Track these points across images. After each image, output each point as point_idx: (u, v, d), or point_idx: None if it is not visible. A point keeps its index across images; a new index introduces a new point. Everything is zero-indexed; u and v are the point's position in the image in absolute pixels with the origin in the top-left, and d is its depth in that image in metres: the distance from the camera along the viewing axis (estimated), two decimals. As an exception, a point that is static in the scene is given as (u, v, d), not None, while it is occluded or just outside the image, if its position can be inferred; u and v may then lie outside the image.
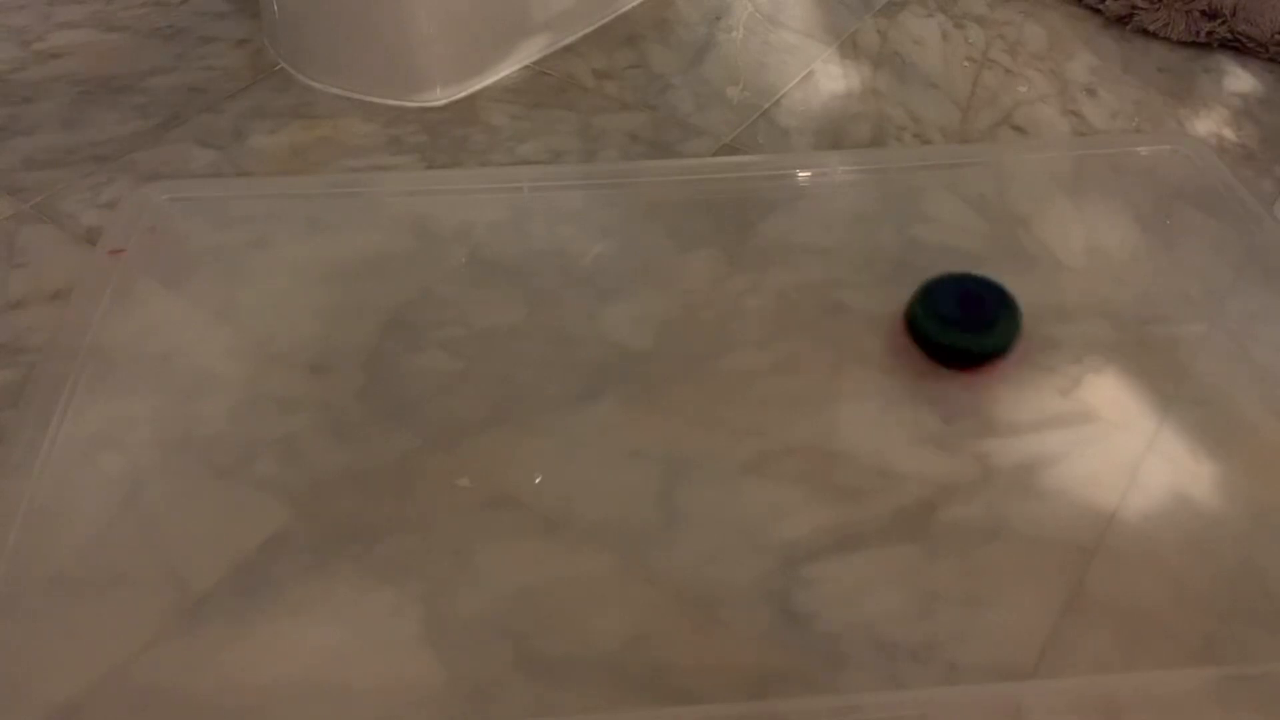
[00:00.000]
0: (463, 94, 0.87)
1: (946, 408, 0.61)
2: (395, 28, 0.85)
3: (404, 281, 0.68)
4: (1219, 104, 0.88)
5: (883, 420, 0.60)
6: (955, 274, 0.66)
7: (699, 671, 0.50)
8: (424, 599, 0.52)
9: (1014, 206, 0.73)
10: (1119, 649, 0.51)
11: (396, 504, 0.56)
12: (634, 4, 0.97)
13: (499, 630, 0.51)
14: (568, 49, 0.92)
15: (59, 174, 0.79)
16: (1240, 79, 0.91)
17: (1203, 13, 0.93)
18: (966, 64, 0.92)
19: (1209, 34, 0.93)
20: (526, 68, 0.90)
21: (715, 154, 0.82)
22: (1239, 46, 0.93)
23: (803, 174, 0.76)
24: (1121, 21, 0.96)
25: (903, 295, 0.67)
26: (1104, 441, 0.59)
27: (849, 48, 0.94)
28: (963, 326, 0.62)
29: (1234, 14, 0.93)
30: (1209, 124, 0.86)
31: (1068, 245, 0.71)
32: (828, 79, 0.90)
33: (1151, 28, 0.94)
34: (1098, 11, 0.97)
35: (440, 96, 0.86)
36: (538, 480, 0.57)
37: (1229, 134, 0.85)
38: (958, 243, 0.71)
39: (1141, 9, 0.95)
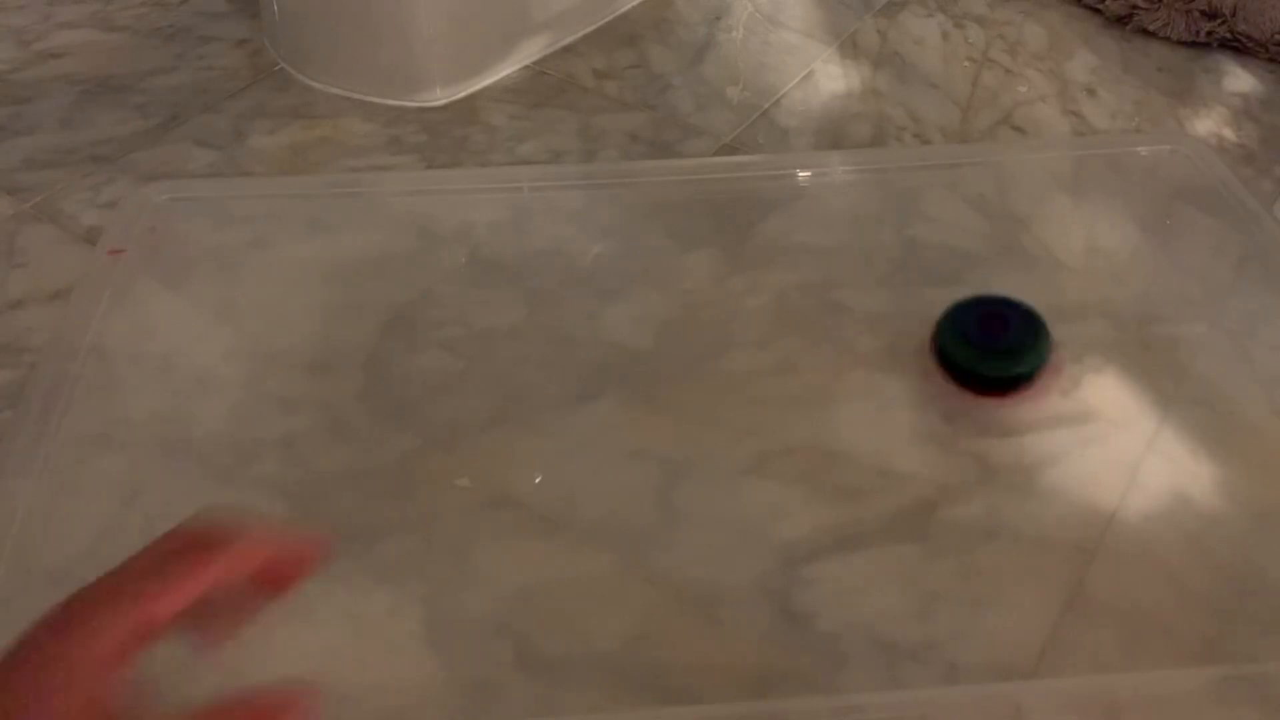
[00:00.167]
0: (463, 94, 0.87)
1: (946, 408, 0.61)
2: (395, 28, 0.85)
3: (404, 281, 0.68)
4: (1219, 104, 0.88)
5: (883, 420, 0.60)
6: (980, 296, 0.64)
7: (699, 671, 0.50)
8: (424, 599, 0.52)
9: (1014, 206, 0.73)
10: (1119, 649, 0.51)
11: (396, 504, 0.56)
12: (634, 4, 0.97)
13: (499, 630, 0.51)
14: (568, 49, 0.92)
15: (59, 174, 0.80)
16: (1240, 79, 0.91)
17: (1203, 13, 0.93)
18: (966, 64, 0.92)
19: (1209, 34, 0.93)
20: (526, 68, 0.90)
21: (715, 154, 0.82)
22: (1239, 46, 0.93)
23: (803, 174, 0.76)
24: (1121, 21, 0.96)
25: (902, 295, 0.67)
26: (1104, 441, 0.59)
27: (849, 48, 0.94)
28: (993, 353, 0.61)
29: (1234, 14, 0.93)
30: (1209, 124, 0.86)
31: (1068, 245, 0.71)
32: (828, 79, 0.90)
33: (1151, 28, 0.94)
34: (1098, 11, 0.97)
35: (440, 96, 0.86)
36: (538, 480, 0.57)
37: (1229, 134, 0.85)
38: (958, 243, 0.71)
39: (1141, 9, 0.95)
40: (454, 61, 0.87)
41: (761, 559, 0.54)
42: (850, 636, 0.51)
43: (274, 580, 0.41)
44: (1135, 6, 0.95)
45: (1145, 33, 0.95)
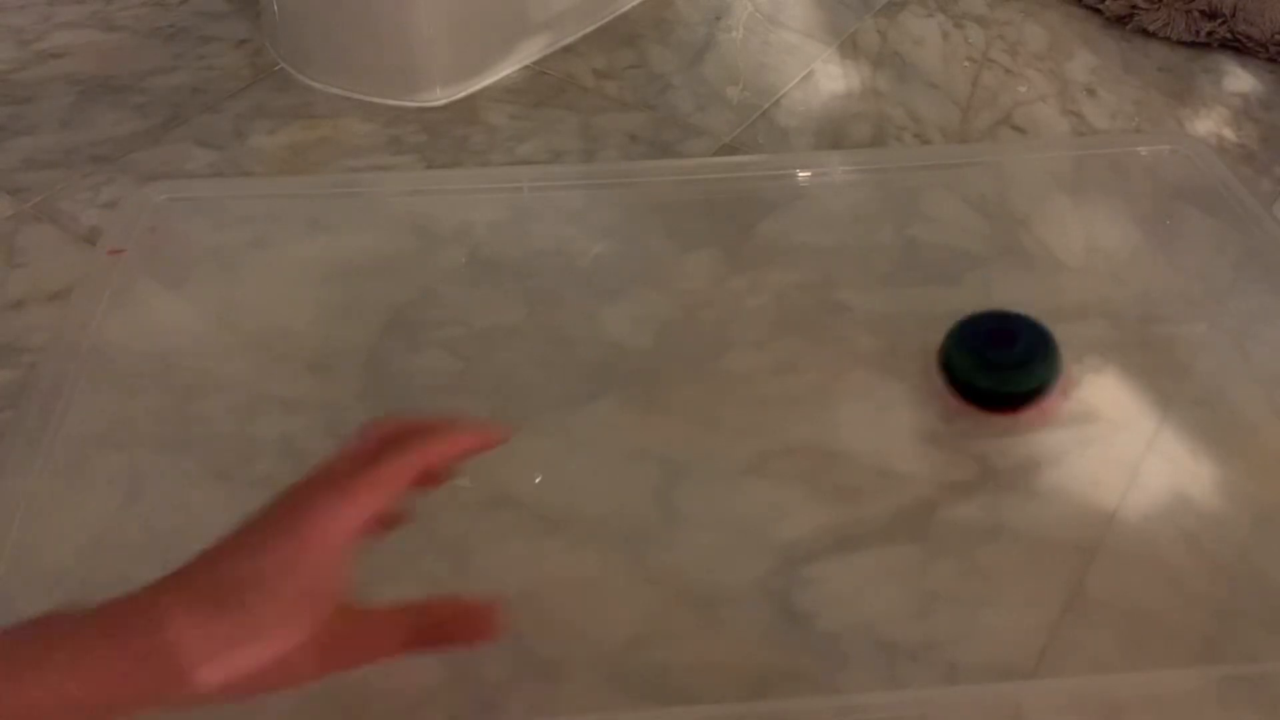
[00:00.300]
0: (463, 94, 0.87)
1: (946, 408, 0.61)
2: (395, 28, 0.85)
3: (404, 281, 0.68)
4: (1219, 104, 0.88)
5: (883, 420, 0.60)
6: (986, 312, 0.63)
7: (699, 671, 0.50)
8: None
9: (1014, 206, 0.73)
10: (1119, 649, 0.51)
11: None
12: (634, 4, 0.97)
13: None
14: (568, 49, 0.92)
15: (59, 174, 0.80)
16: (1240, 79, 0.91)
17: (1203, 13, 0.93)
18: (966, 64, 0.92)
19: (1209, 34, 0.93)
20: (526, 68, 0.90)
21: (715, 154, 0.82)
22: (1239, 46, 0.93)
23: (803, 174, 0.76)
24: (1121, 21, 0.96)
25: (902, 295, 0.67)
26: (1104, 441, 0.59)
27: (849, 48, 0.94)
28: (1003, 369, 0.59)
29: (1234, 14, 0.93)
30: (1209, 124, 0.86)
31: (1068, 245, 0.71)
32: (828, 79, 0.90)
33: (1151, 28, 0.94)
34: (1098, 11, 0.97)
35: (440, 96, 0.86)
36: (538, 480, 0.57)
37: (1229, 134, 0.85)
38: (958, 243, 0.71)
39: (1141, 9, 0.95)
40: (454, 61, 0.87)
41: (761, 559, 0.54)
42: (850, 636, 0.51)
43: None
44: (1135, 6, 0.95)
45: (1145, 33, 0.95)
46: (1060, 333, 0.63)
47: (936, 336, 0.63)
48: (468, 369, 0.63)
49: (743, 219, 0.72)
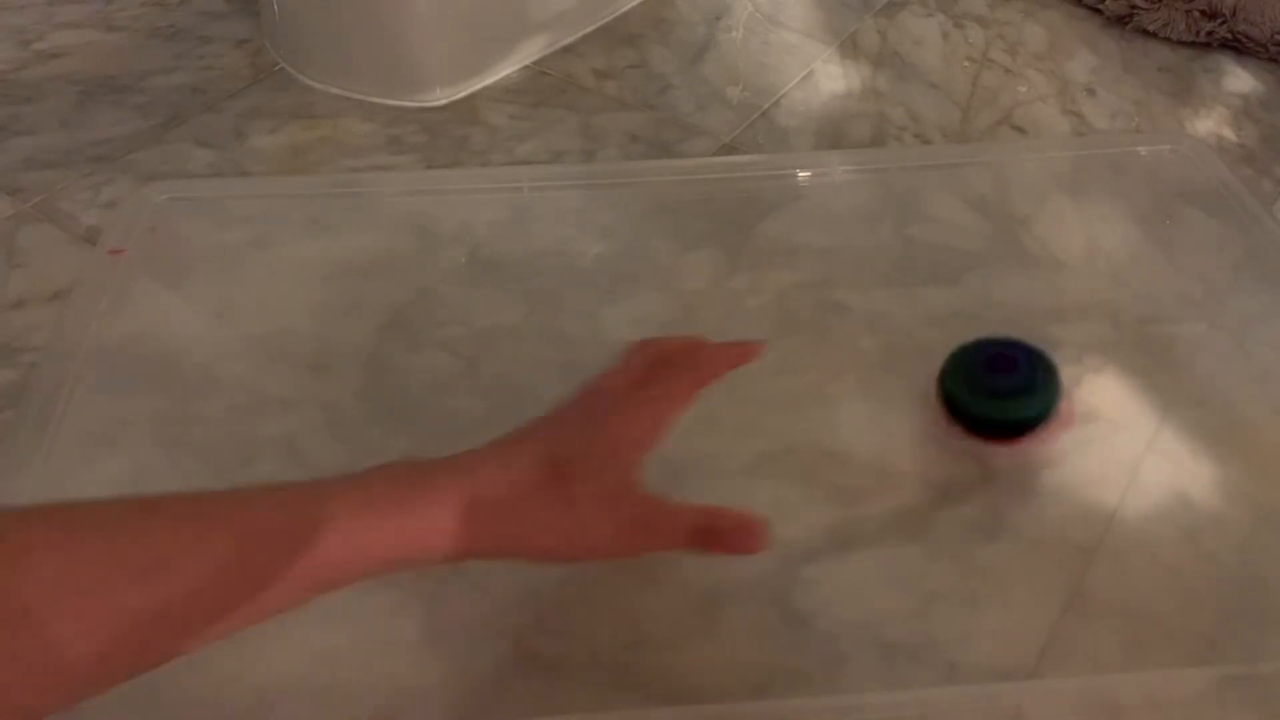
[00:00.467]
0: (463, 94, 0.87)
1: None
2: (395, 28, 0.85)
3: (404, 281, 0.68)
4: (1219, 104, 0.88)
5: (883, 420, 0.60)
6: (982, 340, 0.61)
7: (699, 671, 0.50)
8: (424, 599, 0.52)
9: (1014, 206, 0.73)
10: (1119, 649, 0.51)
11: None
12: (634, 4, 0.97)
13: (499, 630, 0.51)
14: (568, 49, 0.92)
15: (59, 174, 0.80)
16: (1240, 79, 0.91)
17: (1203, 13, 0.93)
18: (966, 64, 0.92)
19: (1209, 34, 0.93)
20: (526, 68, 0.90)
21: (715, 154, 0.82)
22: (1239, 46, 0.93)
23: (803, 174, 0.76)
24: (1121, 21, 0.96)
25: (902, 295, 0.67)
26: (1104, 441, 0.59)
27: (849, 48, 0.94)
28: (1004, 395, 0.58)
29: (1234, 14, 0.93)
30: (1209, 124, 0.86)
31: (1068, 245, 0.71)
32: (828, 79, 0.90)
33: (1151, 28, 0.94)
34: (1098, 11, 0.97)
35: (440, 96, 0.86)
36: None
37: (1229, 134, 0.85)
38: (958, 243, 0.71)
39: (1141, 9, 0.95)
40: (454, 61, 0.87)
41: (761, 559, 0.54)
42: (850, 636, 0.51)
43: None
44: (1135, 6, 0.95)
45: (1145, 33, 0.95)
46: (1060, 333, 0.64)
47: (936, 336, 0.63)
48: (468, 369, 0.63)
49: (743, 219, 0.72)
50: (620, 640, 0.51)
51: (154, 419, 0.60)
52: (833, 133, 0.85)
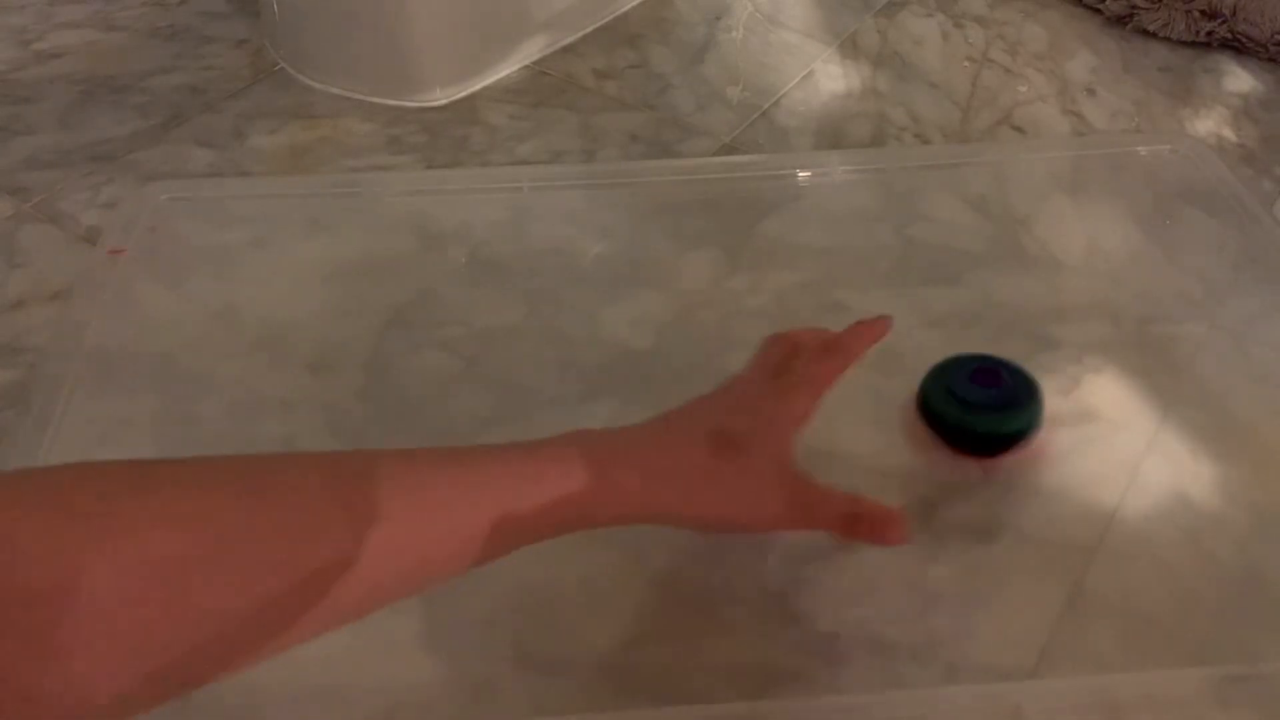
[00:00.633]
0: (463, 94, 0.87)
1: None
2: (395, 28, 0.85)
3: (404, 281, 0.68)
4: (1219, 104, 0.88)
5: (883, 420, 0.60)
6: (964, 356, 0.60)
7: (699, 671, 0.50)
8: (424, 599, 0.52)
9: (1014, 206, 0.73)
10: (1119, 649, 0.51)
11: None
12: (634, 4, 0.97)
13: (499, 630, 0.51)
14: (568, 49, 0.93)
15: (59, 174, 0.80)
16: (1240, 79, 0.91)
17: (1203, 13, 0.93)
18: (966, 64, 0.92)
19: (1209, 34, 0.93)
20: (526, 68, 0.90)
21: (715, 154, 0.82)
22: (1239, 46, 0.93)
23: (803, 174, 0.76)
24: (1121, 21, 0.96)
25: (902, 295, 0.67)
26: (1104, 441, 0.59)
27: (849, 48, 0.94)
28: (987, 409, 0.57)
29: (1234, 14, 0.93)
30: (1209, 124, 0.86)
31: (1068, 245, 0.71)
32: (828, 79, 0.90)
33: (1151, 28, 0.94)
34: (1098, 11, 0.97)
35: (440, 96, 0.86)
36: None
37: (1229, 134, 0.85)
38: (958, 243, 0.71)
39: (1141, 9, 0.95)
40: (454, 61, 0.87)
41: (761, 559, 0.54)
42: (850, 636, 0.51)
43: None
44: (1135, 6, 0.95)
45: (1145, 33, 0.95)
46: (1060, 333, 0.64)
47: (936, 336, 0.63)
48: (468, 369, 0.63)
49: (743, 219, 0.72)
50: (620, 640, 0.51)
51: (154, 419, 0.60)
52: (833, 133, 0.85)
